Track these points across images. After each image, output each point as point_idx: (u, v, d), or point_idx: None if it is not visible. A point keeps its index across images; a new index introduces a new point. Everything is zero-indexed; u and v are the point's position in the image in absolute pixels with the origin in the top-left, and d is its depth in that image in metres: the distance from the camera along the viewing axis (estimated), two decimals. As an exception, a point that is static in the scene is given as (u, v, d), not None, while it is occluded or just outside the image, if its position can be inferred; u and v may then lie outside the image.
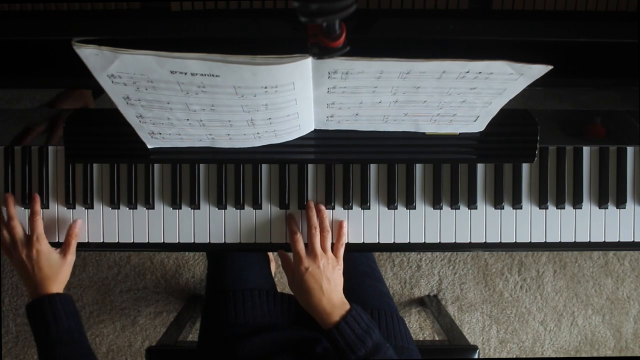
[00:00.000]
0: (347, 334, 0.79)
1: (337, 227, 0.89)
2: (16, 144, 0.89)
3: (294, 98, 0.69)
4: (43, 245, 0.85)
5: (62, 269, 0.86)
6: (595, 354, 1.74)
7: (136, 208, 0.90)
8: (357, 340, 0.78)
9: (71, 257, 0.87)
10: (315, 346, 0.84)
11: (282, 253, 0.89)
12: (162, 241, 0.91)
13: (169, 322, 1.63)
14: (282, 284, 1.68)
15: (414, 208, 0.90)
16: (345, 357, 0.78)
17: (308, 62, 0.62)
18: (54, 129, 0.87)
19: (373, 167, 0.90)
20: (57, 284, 0.84)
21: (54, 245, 0.88)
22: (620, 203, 0.90)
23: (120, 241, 0.91)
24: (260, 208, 0.90)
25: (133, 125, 0.76)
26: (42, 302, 0.81)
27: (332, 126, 0.82)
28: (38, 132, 0.87)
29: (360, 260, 1.15)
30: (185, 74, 0.62)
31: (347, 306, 0.82)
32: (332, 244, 0.88)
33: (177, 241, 0.91)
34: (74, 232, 0.88)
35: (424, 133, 0.84)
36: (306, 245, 0.86)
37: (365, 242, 0.91)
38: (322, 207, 0.88)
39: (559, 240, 0.91)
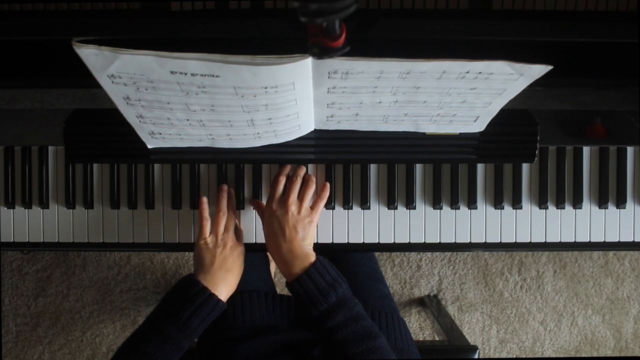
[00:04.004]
0: (308, 287, 0.74)
1: (322, 184, 0.87)
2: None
3: (294, 98, 0.69)
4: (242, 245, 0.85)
5: (238, 277, 0.83)
6: (595, 354, 1.74)
7: (136, 208, 0.90)
8: (319, 294, 0.74)
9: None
10: (313, 349, 0.84)
11: (256, 201, 0.89)
12: (162, 241, 0.91)
13: (169, 322, 1.62)
14: (282, 285, 1.68)
15: (414, 208, 0.90)
16: (308, 312, 0.75)
17: (308, 62, 0.62)
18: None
19: (373, 167, 0.90)
20: (229, 288, 0.81)
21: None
22: (620, 203, 0.90)
23: (120, 241, 0.91)
24: (260, 208, 0.90)
25: (133, 125, 0.76)
26: (211, 298, 0.76)
27: (332, 126, 0.82)
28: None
29: (362, 262, 1.15)
30: (185, 74, 0.62)
31: (312, 258, 0.78)
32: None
33: (177, 241, 0.91)
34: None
35: (424, 133, 0.84)
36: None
37: (365, 242, 0.91)
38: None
39: (559, 240, 0.91)
